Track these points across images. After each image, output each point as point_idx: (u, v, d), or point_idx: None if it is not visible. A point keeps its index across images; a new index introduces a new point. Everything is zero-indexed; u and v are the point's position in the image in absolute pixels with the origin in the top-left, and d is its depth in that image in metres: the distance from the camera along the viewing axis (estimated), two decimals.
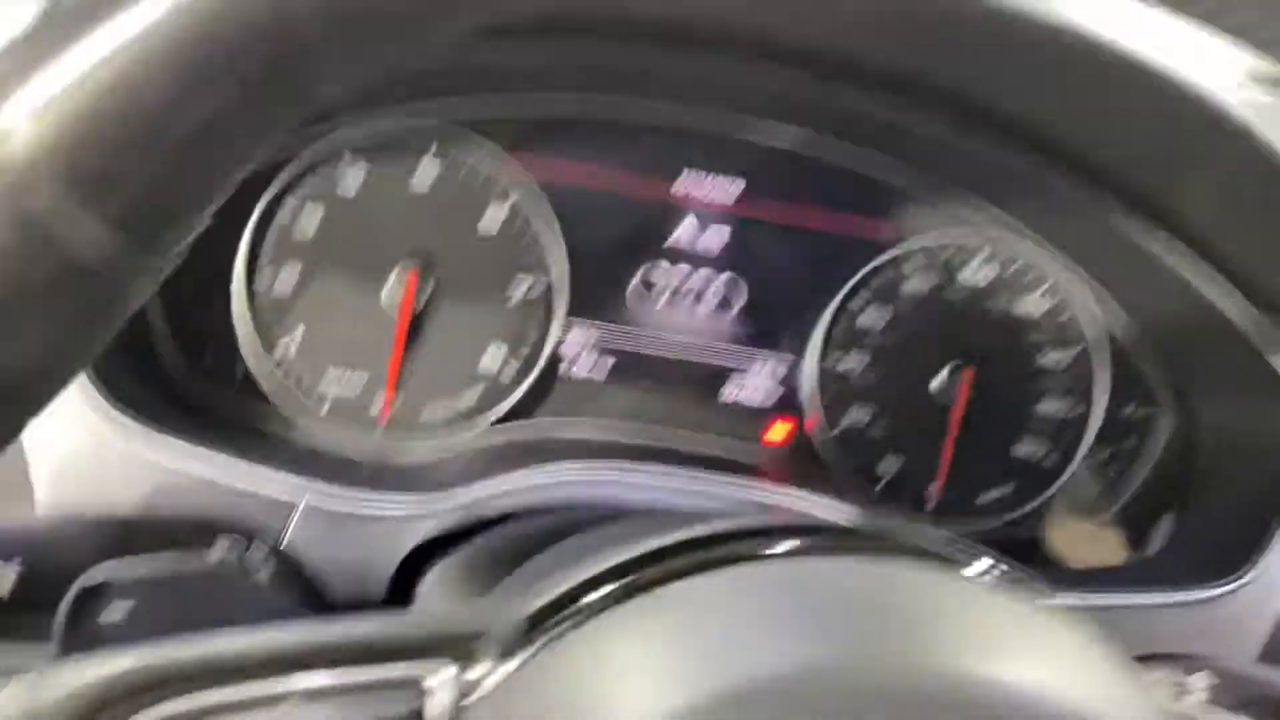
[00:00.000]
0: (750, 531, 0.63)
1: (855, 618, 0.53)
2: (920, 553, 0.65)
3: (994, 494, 1.31)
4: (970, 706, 0.48)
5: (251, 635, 0.50)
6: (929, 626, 0.53)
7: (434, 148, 1.17)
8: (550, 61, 1.11)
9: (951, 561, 0.67)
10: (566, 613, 0.52)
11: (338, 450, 1.17)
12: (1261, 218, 0.93)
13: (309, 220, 1.15)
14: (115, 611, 0.69)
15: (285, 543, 0.95)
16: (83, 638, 0.71)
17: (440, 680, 0.50)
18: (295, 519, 0.96)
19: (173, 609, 0.72)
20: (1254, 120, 0.70)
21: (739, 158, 1.25)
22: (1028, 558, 1.28)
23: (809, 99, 1.17)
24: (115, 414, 0.94)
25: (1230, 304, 1.10)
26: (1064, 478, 1.30)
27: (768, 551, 0.59)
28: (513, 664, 0.50)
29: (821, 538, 0.65)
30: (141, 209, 0.43)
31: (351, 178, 1.16)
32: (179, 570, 0.74)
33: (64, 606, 0.71)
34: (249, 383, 1.17)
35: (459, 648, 0.51)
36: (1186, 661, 0.98)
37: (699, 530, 0.61)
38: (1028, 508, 1.30)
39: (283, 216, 1.15)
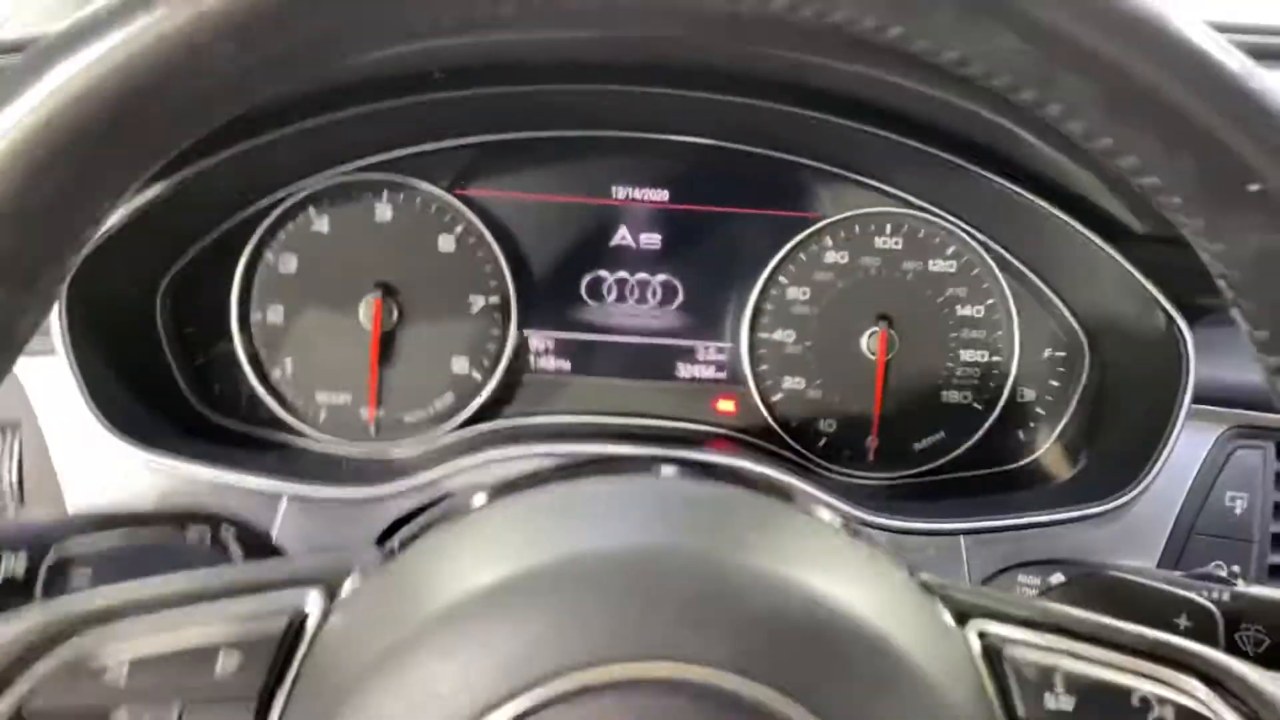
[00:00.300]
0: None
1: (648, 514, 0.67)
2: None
3: (928, 440, 1.43)
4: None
5: (155, 582, 0.59)
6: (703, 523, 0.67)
7: (385, 194, 1.36)
8: (477, 110, 1.30)
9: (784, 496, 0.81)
10: (412, 535, 0.68)
11: (334, 453, 1.36)
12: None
13: (288, 261, 1.35)
14: (79, 579, 0.87)
15: (277, 529, 1.13)
16: None
17: (311, 600, 0.61)
18: (282, 508, 1.14)
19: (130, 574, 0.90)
20: None
21: (661, 171, 1.42)
22: (966, 493, 1.40)
23: (716, 115, 1.33)
24: (130, 445, 1.13)
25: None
26: (991, 419, 1.42)
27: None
28: (364, 578, 0.64)
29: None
30: (11, 265, 0.49)
31: (319, 224, 1.35)
32: (132, 543, 0.92)
33: (41, 576, 0.89)
34: (254, 404, 1.36)
35: (334, 579, 0.66)
36: (1049, 566, 1.10)
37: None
38: (961, 450, 1.42)
39: (267, 260, 1.35)
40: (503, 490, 0.69)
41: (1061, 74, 0.53)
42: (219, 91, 0.53)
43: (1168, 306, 1.20)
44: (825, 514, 0.75)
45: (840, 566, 0.63)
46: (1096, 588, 1.03)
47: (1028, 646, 0.60)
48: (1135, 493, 1.19)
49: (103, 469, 1.13)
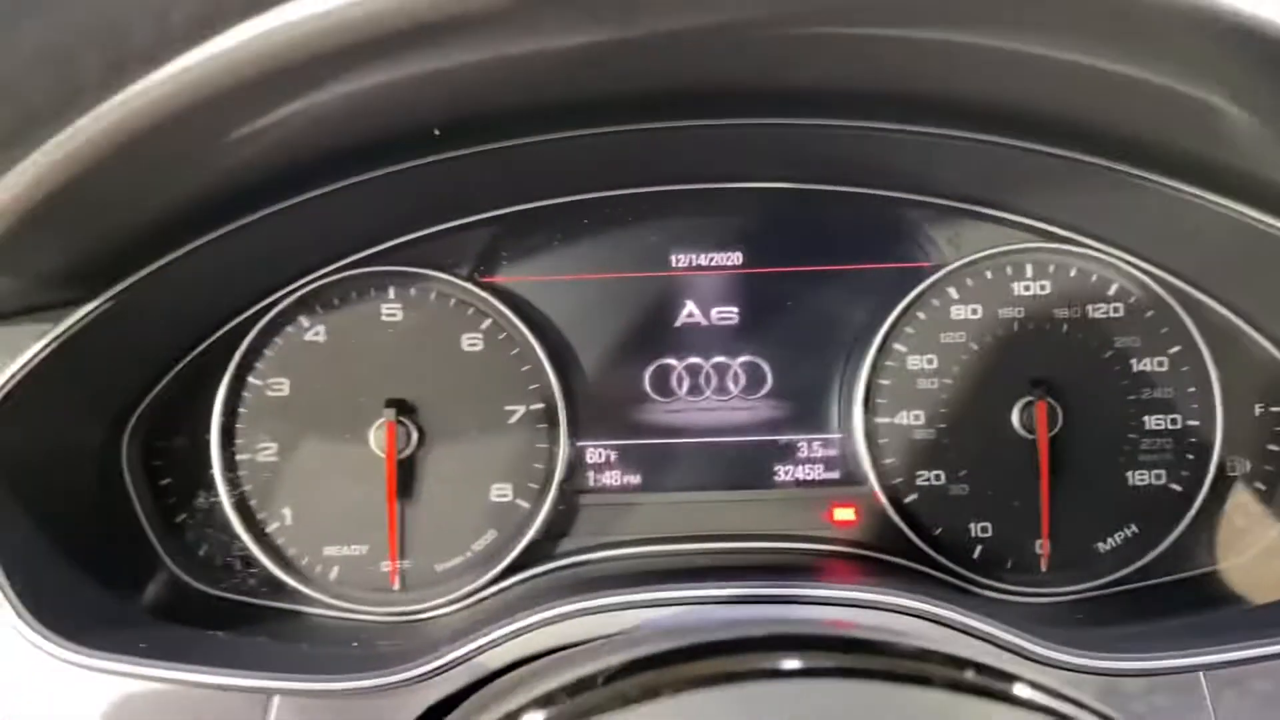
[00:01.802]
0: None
1: None
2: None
3: (1117, 538, 1.09)
4: None
5: None
6: None
7: (392, 290, 1.10)
8: (494, 174, 1.04)
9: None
10: None
11: (348, 621, 1.07)
12: None
13: (279, 384, 1.09)
14: None
15: None
16: None
17: None
18: (274, 713, 0.85)
19: None
20: None
21: (731, 229, 1.14)
22: (1183, 607, 1.06)
23: (795, 150, 1.06)
24: (66, 649, 0.86)
25: None
26: (1198, 502, 1.08)
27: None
28: None
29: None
30: None
31: (314, 333, 1.09)
32: None
33: None
34: (248, 566, 1.09)
35: None
36: None
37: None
38: (1161, 548, 1.08)
39: (253, 383, 1.09)
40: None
41: None
42: None
43: None
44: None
45: None
46: None
47: None
48: None
49: (33, 680, 0.85)
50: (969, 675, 0.48)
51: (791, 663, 0.47)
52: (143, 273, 0.90)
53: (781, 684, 0.46)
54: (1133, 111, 0.86)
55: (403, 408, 1.08)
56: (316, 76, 0.71)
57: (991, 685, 0.47)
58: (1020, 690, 0.50)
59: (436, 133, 0.95)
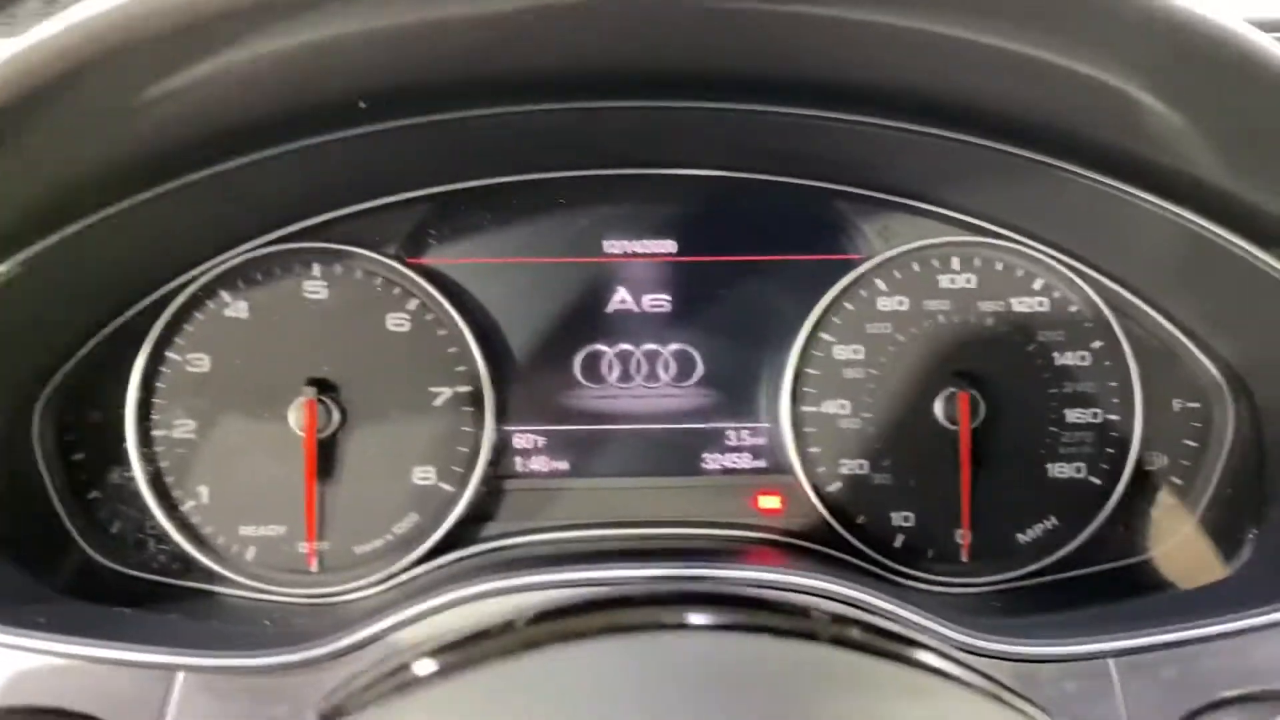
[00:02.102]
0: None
1: None
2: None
3: (1037, 529, 1.10)
4: None
5: None
6: None
7: (316, 268, 1.08)
8: (423, 150, 1.03)
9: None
10: None
11: (263, 602, 1.05)
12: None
13: (199, 360, 1.06)
14: None
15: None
16: None
17: None
18: (178, 689, 0.83)
19: None
20: None
21: (664, 217, 1.13)
22: (1101, 598, 1.07)
23: (727, 137, 1.06)
24: None
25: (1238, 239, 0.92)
26: (1116, 496, 1.09)
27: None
28: None
29: None
30: None
31: (236, 309, 1.07)
32: None
33: None
34: (163, 545, 1.06)
35: None
36: (1266, 703, 0.77)
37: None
38: (1080, 539, 1.09)
39: (172, 359, 1.06)
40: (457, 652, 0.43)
41: None
42: None
43: None
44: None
45: None
46: None
47: None
48: None
49: None
50: (855, 632, 0.48)
51: (675, 616, 0.47)
52: (52, 239, 0.88)
53: (666, 637, 0.46)
54: (1057, 103, 0.87)
55: (324, 387, 1.06)
56: (224, 33, 0.70)
57: (878, 642, 0.47)
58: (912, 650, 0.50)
59: (362, 104, 0.94)
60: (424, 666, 0.46)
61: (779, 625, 0.47)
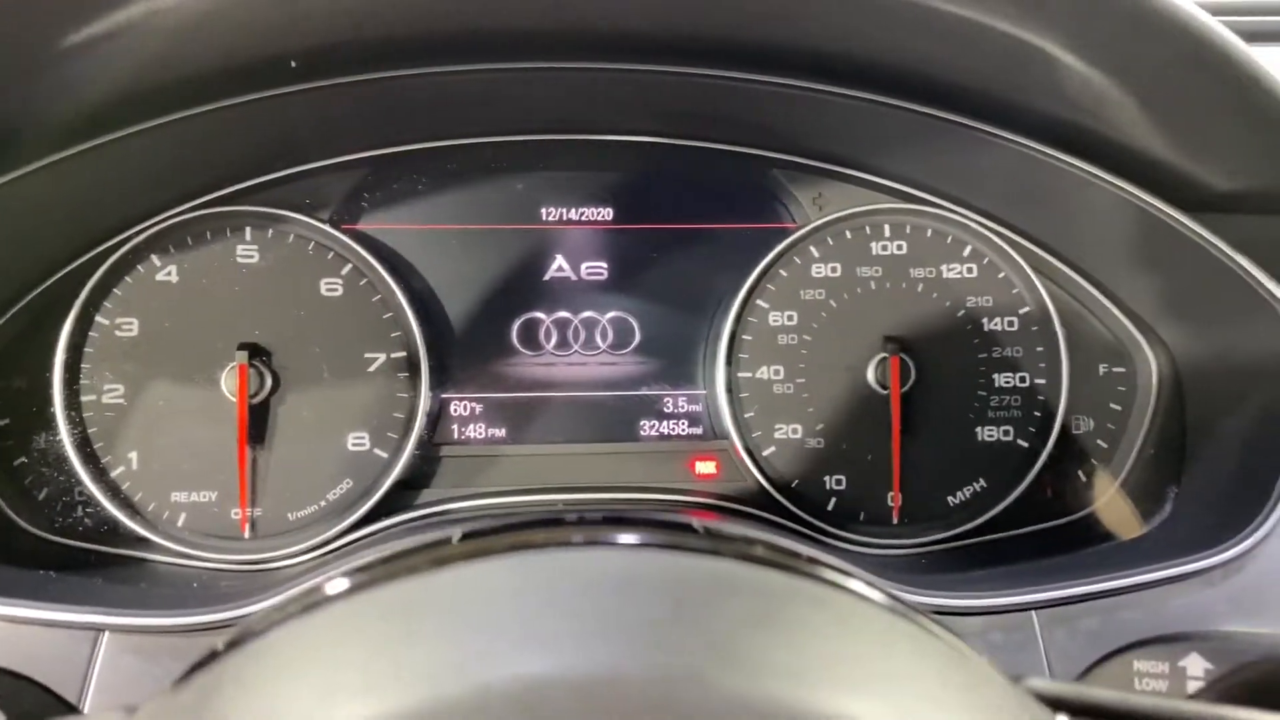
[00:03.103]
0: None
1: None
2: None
3: (966, 492, 1.12)
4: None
5: None
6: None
7: (248, 232, 1.07)
8: (357, 112, 1.02)
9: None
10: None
11: (192, 569, 1.04)
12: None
13: (128, 323, 1.05)
14: None
15: (93, 678, 0.81)
16: None
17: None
18: (102, 648, 0.82)
19: None
20: None
21: (601, 184, 1.14)
22: (1028, 557, 1.09)
23: (660, 100, 1.06)
24: None
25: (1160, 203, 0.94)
26: (1043, 458, 1.12)
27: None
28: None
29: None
30: None
31: (166, 273, 1.06)
32: None
33: None
34: (91, 511, 1.05)
35: None
36: (1177, 644, 0.79)
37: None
38: (1008, 501, 1.11)
39: (100, 323, 1.05)
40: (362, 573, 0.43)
41: None
42: None
43: (1275, 290, 0.92)
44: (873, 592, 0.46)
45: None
46: (1249, 680, 0.71)
47: None
48: (1257, 538, 0.88)
49: None
50: (759, 550, 0.48)
51: (580, 535, 0.48)
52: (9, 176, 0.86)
53: (571, 553, 0.46)
54: (979, 63, 0.89)
55: (256, 351, 1.05)
56: None
57: (783, 559, 0.48)
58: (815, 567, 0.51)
59: (293, 64, 0.93)
60: (335, 585, 0.46)
61: (690, 544, 0.48)
